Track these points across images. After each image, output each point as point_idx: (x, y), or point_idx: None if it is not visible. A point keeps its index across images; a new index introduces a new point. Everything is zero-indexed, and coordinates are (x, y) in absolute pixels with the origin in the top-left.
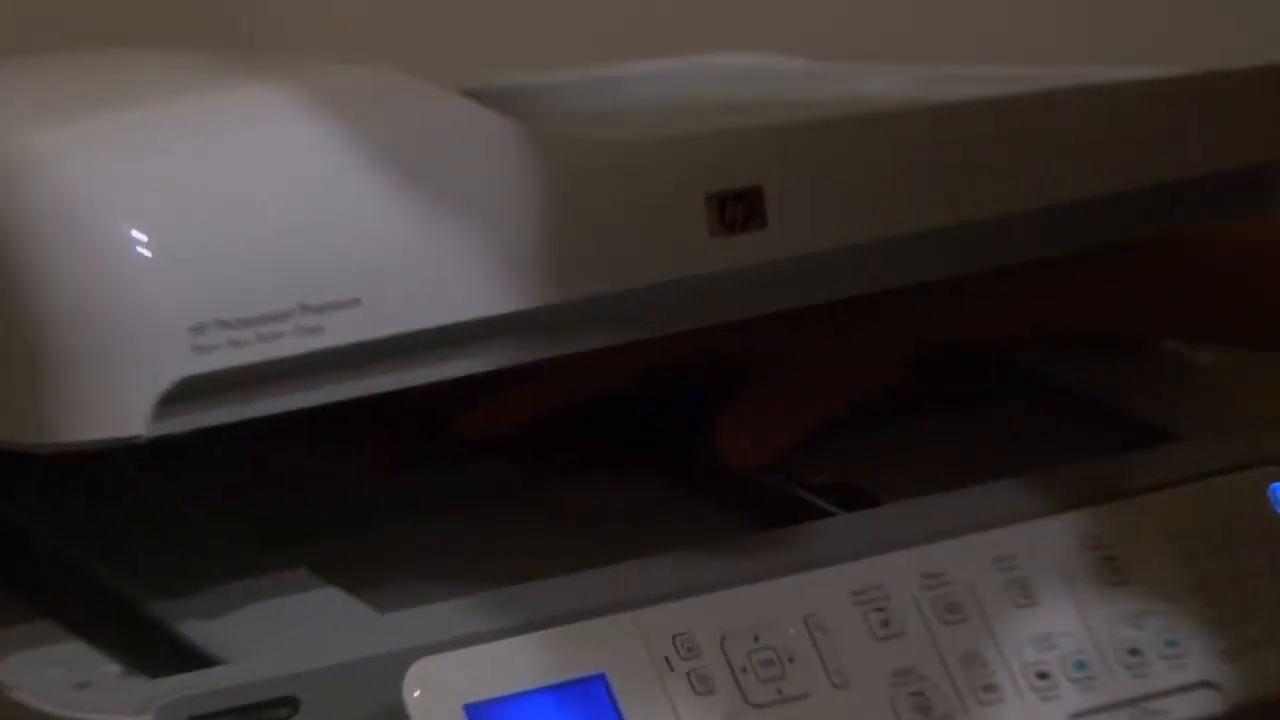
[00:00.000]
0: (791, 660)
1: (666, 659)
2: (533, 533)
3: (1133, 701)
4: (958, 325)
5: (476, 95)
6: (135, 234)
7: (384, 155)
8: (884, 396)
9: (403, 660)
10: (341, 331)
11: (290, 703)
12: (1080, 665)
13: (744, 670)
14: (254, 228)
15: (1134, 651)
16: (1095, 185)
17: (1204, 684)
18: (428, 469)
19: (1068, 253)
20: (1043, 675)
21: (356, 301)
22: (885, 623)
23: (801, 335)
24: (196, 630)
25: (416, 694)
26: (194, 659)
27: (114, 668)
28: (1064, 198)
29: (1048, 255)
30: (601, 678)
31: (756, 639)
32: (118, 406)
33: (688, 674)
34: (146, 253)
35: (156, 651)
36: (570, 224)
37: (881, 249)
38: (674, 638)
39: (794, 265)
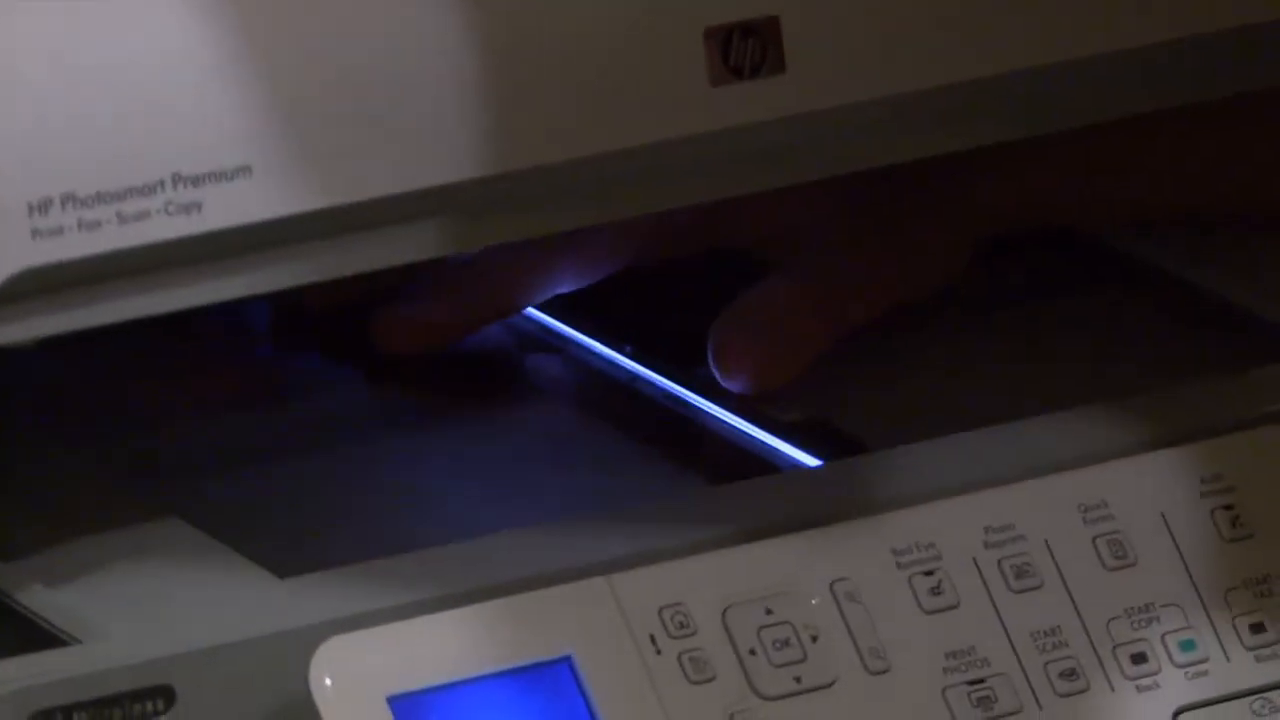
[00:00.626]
0: (814, 639)
1: (651, 637)
2: (472, 473)
3: (1256, 693)
4: (1028, 203)
5: None
6: None
7: None
8: (932, 297)
9: (308, 639)
10: (226, 209)
11: (164, 693)
12: (1188, 646)
13: (752, 652)
14: (110, 71)
15: (1259, 628)
16: (1197, 22)
17: None
18: (335, 390)
19: (1165, 107)
20: (1139, 659)
21: (246, 170)
22: (936, 590)
23: (827, 217)
24: (39, 599)
25: (327, 682)
26: (37, 637)
27: None
28: (1157, 37)
29: (1140, 110)
30: (566, 661)
31: (769, 611)
32: None
33: (679, 657)
34: None
35: None
36: (524, 69)
37: (933, 101)
38: (660, 610)
39: (820, 122)
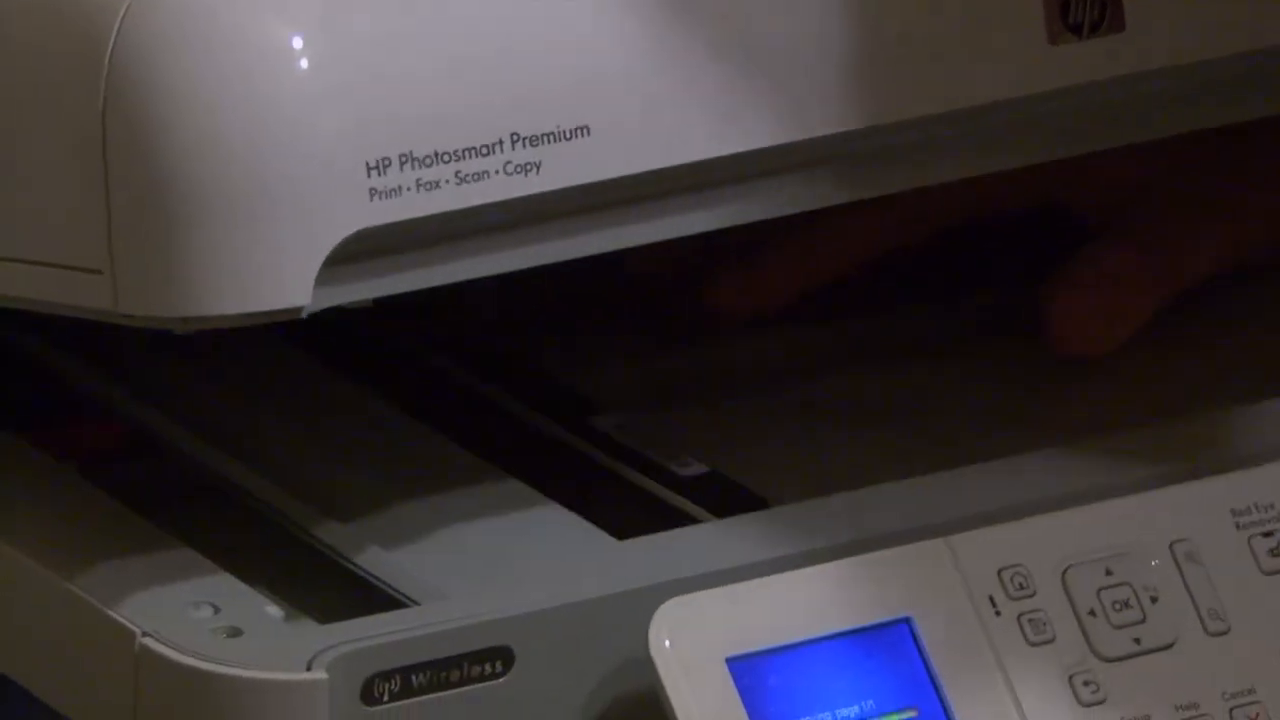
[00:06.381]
0: (1154, 600)
1: (990, 598)
2: (810, 434)
3: None
4: None
5: None
6: (295, 40)
7: None
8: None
9: (647, 600)
10: (564, 170)
11: (503, 654)
12: None
13: (1091, 613)
14: (451, 30)
15: None
16: None
17: None
18: (670, 352)
19: None
20: None
21: (584, 130)
22: (1276, 551)
23: (1159, 177)
24: (377, 561)
25: (666, 644)
26: (374, 598)
27: (274, 609)
28: None
29: None
30: (906, 622)
31: (1109, 573)
32: (272, 270)
33: (1018, 618)
34: (308, 64)
35: (326, 588)
36: (865, 30)
37: (1274, 61)
38: (1000, 571)
39: (1159, 81)
